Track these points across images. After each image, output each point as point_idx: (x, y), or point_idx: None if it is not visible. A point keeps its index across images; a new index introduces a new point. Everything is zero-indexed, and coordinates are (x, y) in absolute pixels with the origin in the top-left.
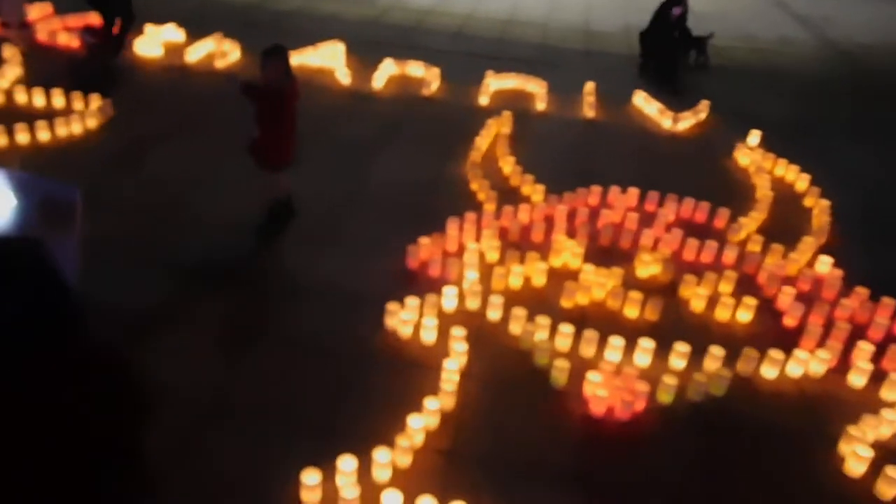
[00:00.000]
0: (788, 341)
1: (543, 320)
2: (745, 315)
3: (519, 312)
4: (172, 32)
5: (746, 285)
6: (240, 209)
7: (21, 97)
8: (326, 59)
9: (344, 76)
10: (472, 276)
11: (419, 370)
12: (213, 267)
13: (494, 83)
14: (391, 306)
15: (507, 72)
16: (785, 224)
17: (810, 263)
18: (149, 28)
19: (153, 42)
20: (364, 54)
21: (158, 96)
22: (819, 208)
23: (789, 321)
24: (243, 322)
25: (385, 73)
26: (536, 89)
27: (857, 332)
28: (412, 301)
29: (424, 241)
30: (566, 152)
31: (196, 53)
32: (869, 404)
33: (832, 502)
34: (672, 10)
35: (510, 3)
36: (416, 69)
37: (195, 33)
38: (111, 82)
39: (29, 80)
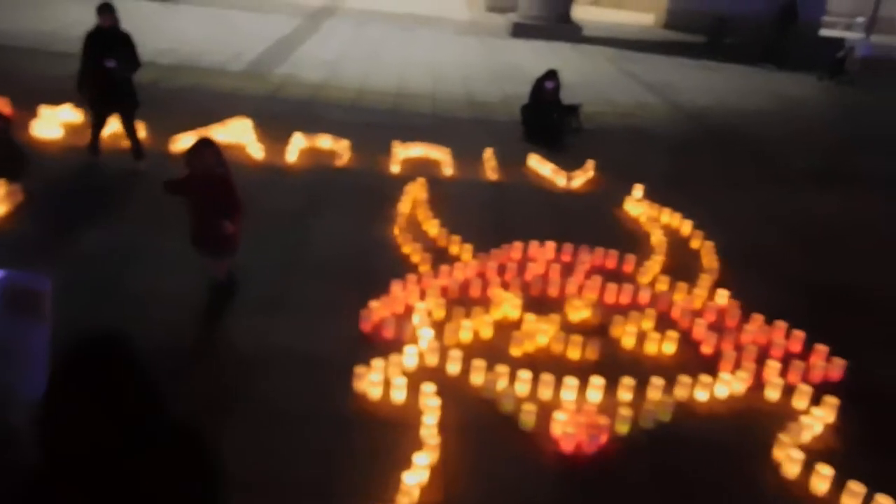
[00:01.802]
0: (708, 366)
1: (502, 369)
2: (669, 347)
3: (479, 364)
4: (69, 113)
5: (663, 321)
6: (180, 283)
7: None
8: (235, 134)
9: (256, 151)
10: (427, 333)
11: (396, 429)
12: (166, 345)
13: (402, 152)
14: (359, 370)
15: (412, 141)
16: (681, 264)
17: (710, 297)
18: (44, 110)
19: (51, 123)
20: (270, 129)
21: (70, 177)
22: (706, 249)
23: (706, 349)
24: (210, 397)
25: (296, 146)
26: (441, 156)
27: (762, 352)
28: (378, 363)
29: (374, 304)
30: (480, 212)
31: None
32: (786, 413)
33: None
34: (545, 85)
35: (396, 76)
36: (324, 142)
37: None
38: (14, 167)
39: None
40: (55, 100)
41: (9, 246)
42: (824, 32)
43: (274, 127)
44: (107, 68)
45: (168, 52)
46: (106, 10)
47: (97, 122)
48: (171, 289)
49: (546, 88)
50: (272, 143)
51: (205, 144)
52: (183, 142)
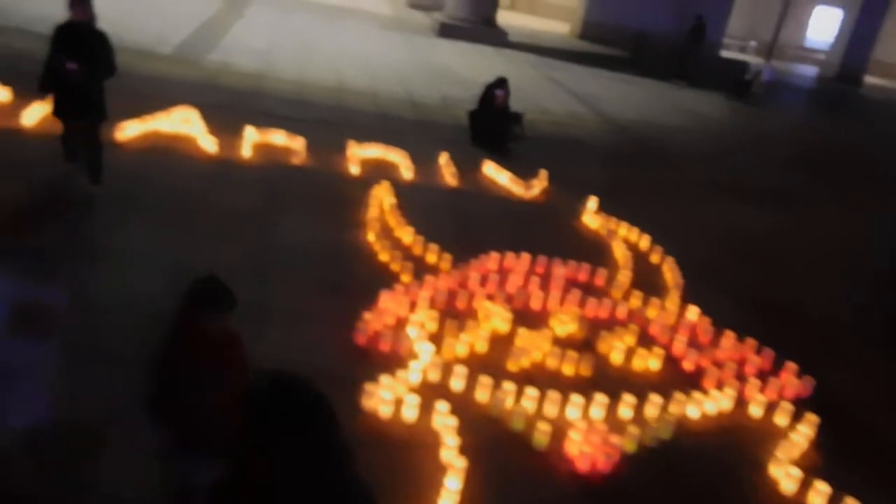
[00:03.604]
0: (691, 383)
1: (509, 385)
2: (654, 363)
3: (485, 380)
4: None
5: (643, 336)
6: (150, 288)
7: None
8: (182, 125)
9: (209, 144)
10: (427, 348)
11: (413, 450)
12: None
13: (358, 152)
14: (369, 386)
15: (364, 140)
16: (644, 279)
17: (681, 313)
18: None
19: None
20: (215, 121)
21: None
22: (667, 264)
23: (687, 365)
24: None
25: (249, 140)
26: (398, 159)
27: (739, 369)
28: (386, 379)
29: (368, 315)
30: (446, 219)
31: (32, 116)
32: (771, 430)
33: None
34: (496, 92)
35: (332, 70)
36: (277, 137)
37: (22, 93)
38: None
39: None
40: None
41: None
42: (722, 54)
43: (219, 118)
44: (68, 70)
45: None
46: (78, 2)
47: (63, 131)
48: (140, 295)
49: (496, 96)
50: (222, 135)
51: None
52: (128, 130)
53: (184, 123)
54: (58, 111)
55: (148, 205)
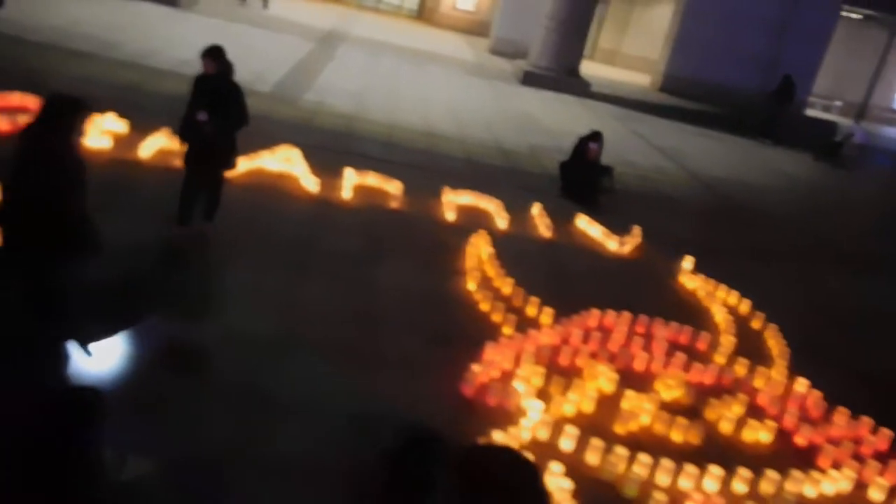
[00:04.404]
0: (805, 459)
1: (621, 450)
2: (765, 436)
3: (596, 443)
4: (114, 122)
5: (751, 407)
6: (255, 325)
7: None
8: (285, 164)
9: (311, 184)
10: (536, 405)
11: None
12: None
13: (453, 198)
14: (482, 441)
15: (457, 187)
16: (748, 346)
17: (789, 384)
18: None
19: (96, 132)
20: (316, 161)
21: (127, 195)
22: (770, 332)
23: (800, 440)
24: (318, 462)
25: (349, 182)
26: (492, 207)
27: (855, 448)
28: (498, 435)
29: (476, 368)
30: (542, 271)
31: (148, 149)
32: None
33: None
34: (590, 145)
35: (420, 114)
36: (374, 180)
37: (138, 125)
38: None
39: None
40: (94, 106)
41: None
42: (807, 113)
43: (318, 158)
44: (198, 121)
45: (189, 63)
46: (207, 55)
47: (186, 183)
48: (246, 331)
49: (590, 149)
50: (322, 175)
51: None
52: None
53: (286, 162)
54: (188, 159)
55: (254, 243)
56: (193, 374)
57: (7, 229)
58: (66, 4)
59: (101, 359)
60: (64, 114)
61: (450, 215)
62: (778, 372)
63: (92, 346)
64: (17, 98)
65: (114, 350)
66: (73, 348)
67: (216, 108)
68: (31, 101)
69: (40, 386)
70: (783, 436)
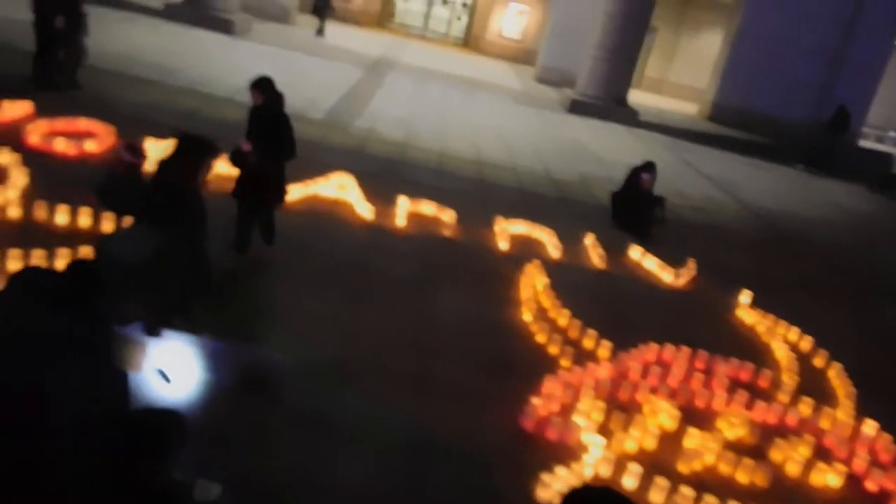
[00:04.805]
0: None
1: (687, 491)
2: (834, 480)
3: (661, 482)
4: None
5: (817, 448)
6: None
7: (41, 213)
8: (340, 190)
9: (366, 211)
10: (598, 440)
11: None
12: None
13: (506, 227)
14: (546, 477)
15: (512, 217)
16: (811, 385)
17: (857, 426)
18: (150, 141)
19: (158, 156)
20: (370, 187)
21: None
22: (834, 371)
23: (871, 486)
24: (378, 490)
25: (402, 209)
26: (545, 237)
27: None
28: (562, 471)
29: (536, 401)
30: (597, 303)
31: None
32: None
33: None
34: (643, 176)
35: (470, 142)
36: (428, 208)
37: None
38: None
39: (36, 192)
40: (156, 132)
41: None
42: (861, 143)
43: (371, 185)
44: (242, 151)
45: (245, 90)
46: (254, 87)
47: (239, 214)
48: (308, 356)
49: (643, 179)
50: (376, 202)
51: None
52: (291, 193)
53: (340, 189)
54: (236, 188)
55: (312, 268)
56: (258, 399)
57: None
58: (129, 32)
59: (173, 383)
60: (194, 153)
61: (503, 244)
62: (844, 412)
63: (169, 373)
64: (83, 123)
65: (184, 375)
66: (151, 374)
67: (262, 139)
68: (97, 127)
69: (120, 408)
70: (853, 480)
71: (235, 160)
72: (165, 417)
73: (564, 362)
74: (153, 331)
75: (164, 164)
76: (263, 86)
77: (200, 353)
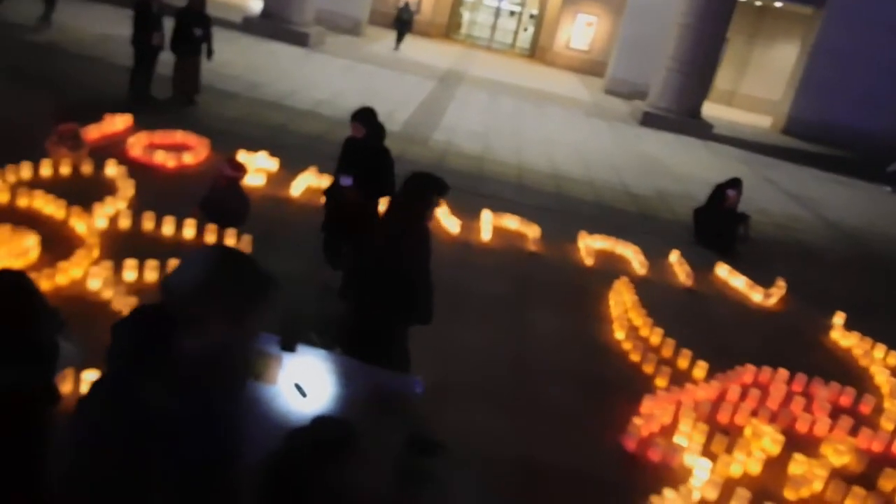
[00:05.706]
0: None
1: None
2: None
3: None
4: (266, 161)
5: None
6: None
7: (148, 223)
8: None
9: (452, 224)
10: (704, 463)
11: None
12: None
13: (590, 242)
14: (655, 500)
15: (595, 233)
16: None
17: None
18: (242, 154)
19: (252, 169)
20: (453, 201)
21: (283, 230)
22: None
23: None
24: None
25: (487, 224)
26: (630, 253)
27: None
28: (670, 493)
29: (638, 421)
30: (687, 321)
31: (298, 187)
32: None
33: None
34: (728, 192)
35: (545, 155)
36: (511, 222)
37: (287, 164)
38: (242, 216)
39: (142, 203)
40: (248, 145)
41: None
42: None
43: (454, 199)
44: (341, 185)
45: (326, 103)
46: (356, 119)
47: (327, 240)
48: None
49: (728, 196)
50: (461, 216)
51: None
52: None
53: None
54: (326, 223)
55: None
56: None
57: (360, 293)
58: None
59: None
60: (425, 192)
61: (588, 260)
62: None
63: (306, 387)
64: (179, 136)
65: (319, 390)
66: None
67: (362, 174)
68: (193, 140)
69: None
70: None
71: (331, 194)
72: (338, 427)
73: (660, 382)
74: (288, 346)
75: (396, 203)
76: (365, 118)
77: (335, 370)
